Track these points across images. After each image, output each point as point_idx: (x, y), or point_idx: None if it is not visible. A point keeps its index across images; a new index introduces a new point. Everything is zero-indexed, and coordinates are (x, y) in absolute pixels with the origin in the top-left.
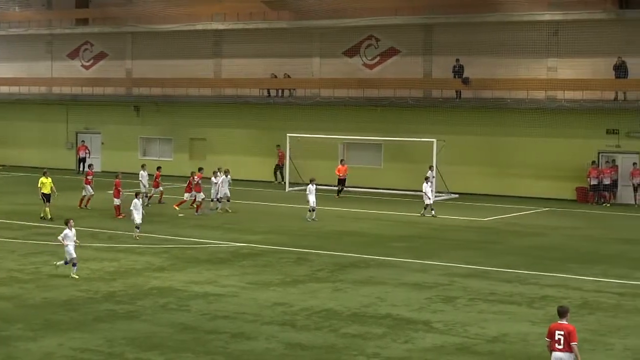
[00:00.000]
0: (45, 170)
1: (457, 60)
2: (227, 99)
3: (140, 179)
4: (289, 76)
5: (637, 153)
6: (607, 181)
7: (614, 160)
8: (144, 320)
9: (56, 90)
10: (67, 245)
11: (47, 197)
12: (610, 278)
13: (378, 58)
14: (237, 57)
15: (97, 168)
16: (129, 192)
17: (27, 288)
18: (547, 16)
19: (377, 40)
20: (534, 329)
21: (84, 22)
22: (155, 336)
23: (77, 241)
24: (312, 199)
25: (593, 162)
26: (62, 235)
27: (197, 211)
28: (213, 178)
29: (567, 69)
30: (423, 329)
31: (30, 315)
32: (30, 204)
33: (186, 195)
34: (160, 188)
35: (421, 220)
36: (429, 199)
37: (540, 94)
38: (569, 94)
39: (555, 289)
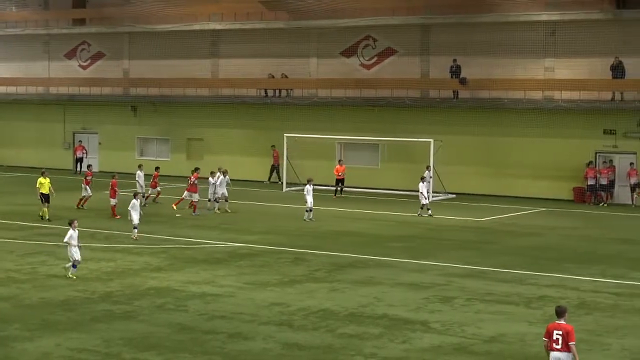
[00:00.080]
0: (43, 170)
1: (455, 60)
2: (225, 99)
3: (137, 179)
4: (286, 76)
5: (634, 153)
6: (604, 181)
7: (611, 161)
8: (141, 320)
9: (53, 90)
10: (73, 247)
11: (45, 197)
12: (608, 278)
13: (375, 58)
14: (234, 57)
15: (94, 168)
16: (124, 192)
17: (24, 288)
18: (544, 16)
19: (375, 40)
20: (531, 329)
21: (81, 22)
22: (152, 336)
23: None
24: (309, 199)
25: (590, 163)
26: (67, 237)
27: (194, 211)
28: (210, 178)
29: (564, 69)
30: (420, 329)
31: (28, 315)
32: (28, 204)
33: (185, 194)
34: (158, 188)
35: (418, 220)
36: (425, 198)
37: (537, 94)
38: (566, 94)
39: (552, 289)
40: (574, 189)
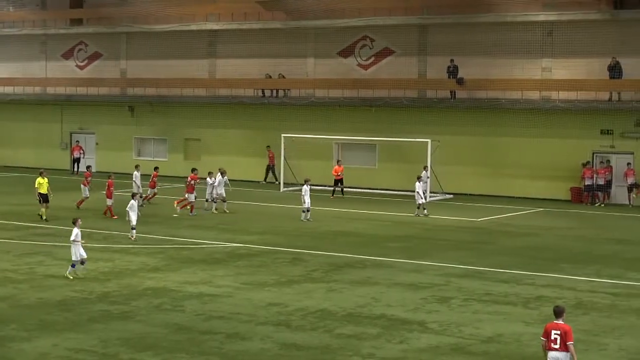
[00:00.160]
0: (41, 170)
1: (452, 60)
2: (222, 99)
3: (134, 179)
4: (283, 76)
5: (631, 153)
6: (601, 181)
7: (608, 161)
8: (139, 320)
9: (50, 90)
10: (79, 245)
11: (44, 198)
12: (604, 278)
13: (372, 58)
14: (231, 58)
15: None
16: (121, 192)
17: (21, 288)
18: (542, 17)
19: (372, 40)
20: (528, 329)
21: (78, 22)
22: (149, 337)
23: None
24: (307, 199)
25: (587, 163)
26: (74, 235)
27: (191, 212)
28: (208, 178)
29: (562, 69)
30: (418, 329)
31: (25, 315)
32: (25, 205)
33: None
34: (155, 189)
35: (416, 220)
36: (422, 198)
37: (534, 95)
38: (564, 95)
39: (549, 289)
40: (571, 189)
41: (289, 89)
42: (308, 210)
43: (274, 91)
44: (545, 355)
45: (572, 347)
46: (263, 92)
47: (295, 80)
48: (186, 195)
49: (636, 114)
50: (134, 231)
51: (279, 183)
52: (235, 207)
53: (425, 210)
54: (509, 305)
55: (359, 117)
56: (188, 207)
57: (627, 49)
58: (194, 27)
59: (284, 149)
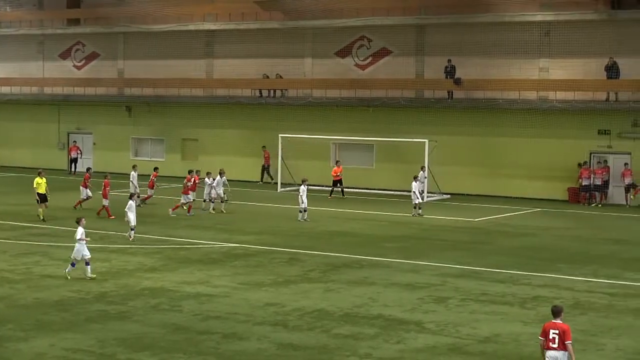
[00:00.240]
0: (40, 170)
1: (449, 60)
2: (219, 100)
3: (131, 179)
4: (281, 76)
5: (629, 153)
6: (598, 182)
7: (605, 161)
8: (136, 320)
9: (48, 90)
10: (83, 244)
11: (42, 198)
12: (601, 278)
13: (370, 58)
14: (229, 58)
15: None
16: (118, 192)
17: (18, 288)
18: (539, 17)
19: (369, 40)
20: (525, 329)
21: (75, 22)
22: (146, 337)
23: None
24: (304, 199)
25: (585, 163)
26: (79, 234)
27: (189, 212)
28: (206, 179)
29: (559, 69)
30: (415, 329)
31: (22, 315)
32: (23, 205)
33: (191, 195)
34: (152, 190)
35: (413, 220)
36: (418, 197)
37: (532, 95)
38: (561, 95)
39: (546, 289)
40: (568, 189)
41: (286, 89)
42: (305, 211)
43: (272, 91)
44: (543, 354)
45: (570, 346)
46: (260, 92)
47: (293, 80)
48: (182, 197)
49: (633, 114)
50: (133, 232)
51: (275, 183)
52: (233, 208)
53: (420, 210)
54: (506, 306)
55: (356, 117)
56: (185, 207)
57: (624, 49)
58: (191, 27)
59: (282, 149)
